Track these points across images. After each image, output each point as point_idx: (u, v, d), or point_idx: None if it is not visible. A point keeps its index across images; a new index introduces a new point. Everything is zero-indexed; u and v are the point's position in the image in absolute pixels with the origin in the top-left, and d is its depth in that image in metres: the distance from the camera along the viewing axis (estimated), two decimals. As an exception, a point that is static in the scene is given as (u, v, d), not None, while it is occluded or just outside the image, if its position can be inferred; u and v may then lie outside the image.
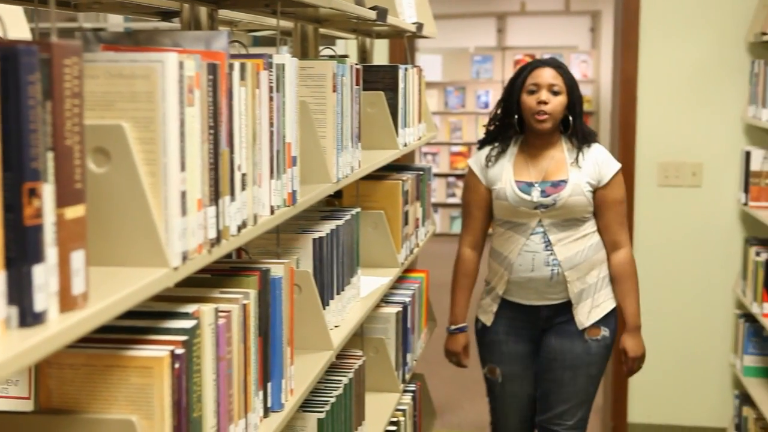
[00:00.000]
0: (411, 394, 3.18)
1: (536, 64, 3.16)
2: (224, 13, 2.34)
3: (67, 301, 1.01)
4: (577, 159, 3.11)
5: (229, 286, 1.61)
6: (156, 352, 1.27)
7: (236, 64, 1.45)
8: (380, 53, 4.40)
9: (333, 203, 2.74)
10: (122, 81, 1.20)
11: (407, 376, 3.06)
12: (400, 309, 2.96)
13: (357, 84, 2.31)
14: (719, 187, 4.41)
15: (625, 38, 4.44)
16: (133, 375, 1.26)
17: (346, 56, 2.68)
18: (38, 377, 1.30)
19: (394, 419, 2.94)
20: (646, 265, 4.48)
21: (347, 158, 2.22)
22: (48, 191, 0.98)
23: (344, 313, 2.34)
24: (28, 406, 1.59)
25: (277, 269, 1.75)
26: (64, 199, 1.01)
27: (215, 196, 1.36)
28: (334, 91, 2.07)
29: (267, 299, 1.70)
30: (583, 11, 10.36)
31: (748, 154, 4.15)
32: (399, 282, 3.16)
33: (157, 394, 1.26)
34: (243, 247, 2.05)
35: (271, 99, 1.63)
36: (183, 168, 1.25)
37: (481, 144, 3.25)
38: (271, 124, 1.63)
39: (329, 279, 2.21)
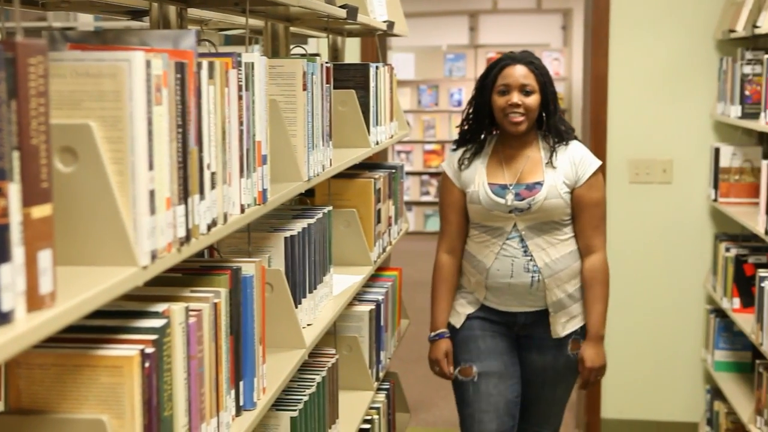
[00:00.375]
0: (385, 392, 3.18)
1: (506, 61, 2.97)
2: (194, 12, 2.34)
3: (35, 301, 1.01)
4: (551, 159, 2.97)
5: (199, 285, 1.61)
6: (126, 352, 1.27)
7: (204, 62, 1.45)
8: (352, 52, 4.40)
9: (305, 202, 2.75)
10: (89, 80, 1.20)
11: (381, 374, 3.07)
12: (374, 307, 2.96)
13: (327, 82, 2.32)
14: (689, 183, 4.45)
15: (595, 36, 4.47)
16: (103, 374, 1.26)
17: (317, 55, 2.68)
18: (7, 377, 1.29)
19: (368, 417, 2.94)
20: (618, 262, 4.51)
21: (318, 157, 2.22)
22: (14, 190, 0.98)
23: (317, 312, 2.34)
24: (-3, 407, 1.58)
25: (248, 268, 1.75)
26: (30, 198, 1.00)
27: (184, 195, 1.36)
28: (304, 89, 2.08)
29: (238, 298, 1.70)
30: (554, 9, 10.41)
31: (717, 151, 4.19)
32: (372, 280, 3.17)
33: (127, 394, 1.26)
34: (214, 246, 2.05)
35: (240, 98, 1.63)
36: (151, 167, 1.25)
37: (456, 146, 3.12)
38: (241, 123, 1.63)
39: (301, 277, 2.22)
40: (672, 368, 4.58)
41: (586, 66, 4.72)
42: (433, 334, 3.12)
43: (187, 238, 1.38)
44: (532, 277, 2.96)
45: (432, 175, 10.23)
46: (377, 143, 2.96)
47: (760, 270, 3.52)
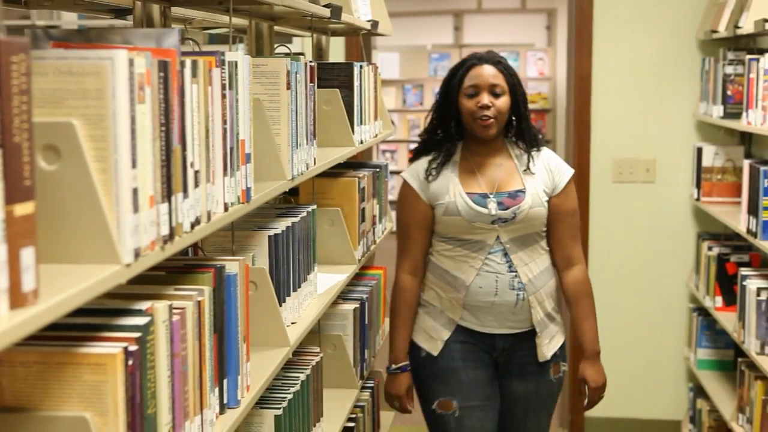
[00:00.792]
0: (369, 390, 3.19)
1: (473, 61, 2.79)
2: (178, 11, 2.34)
3: (17, 298, 1.01)
4: (528, 165, 2.80)
5: (183, 283, 1.61)
6: (109, 349, 1.27)
7: (188, 61, 1.45)
8: (337, 51, 4.41)
9: (289, 200, 2.75)
10: (72, 78, 1.20)
11: (365, 373, 3.08)
12: (358, 305, 2.97)
13: (311, 81, 2.32)
14: (672, 183, 4.48)
15: (579, 36, 4.49)
16: (87, 372, 1.26)
17: (301, 54, 2.69)
18: (-10, 376, 1.29)
19: (353, 416, 2.95)
20: (601, 261, 4.54)
21: (302, 155, 2.22)
22: (-3, 188, 0.98)
23: (301, 310, 2.35)
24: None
25: (232, 266, 1.75)
26: (13, 195, 1.01)
27: (168, 193, 1.36)
28: (288, 88, 2.08)
29: (222, 296, 1.70)
30: (539, 9, 10.44)
31: (699, 150, 4.21)
32: (356, 279, 3.18)
33: (110, 391, 1.26)
34: (198, 244, 2.05)
35: (223, 96, 1.63)
36: (134, 165, 1.25)
37: (416, 155, 2.91)
38: (224, 122, 1.64)
39: (285, 276, 2.22)
40: (655, 366, 4.60)
41: (570, 66, 4.74)
42: (394, 366, 2.89)
43: (171, 236, 1.38)
44: (517, 294, 2.77)
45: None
46: (361, 142, 2.97)
47: (742, 269, 3.55)
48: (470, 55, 2.84)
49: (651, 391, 4.62)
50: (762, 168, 3.20)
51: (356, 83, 2.91)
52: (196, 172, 1.50)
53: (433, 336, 2.85)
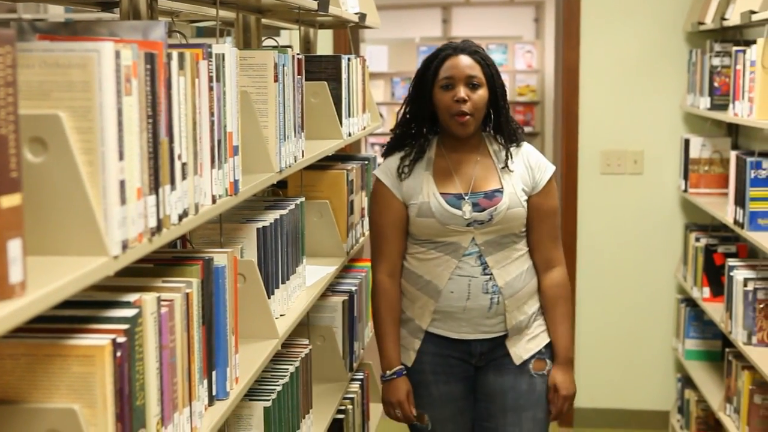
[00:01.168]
0: (359, 382, 3.20)
1: (448, 51, 2.60)
2: (165, 4, 2.33)
3: (4, 290, 1.01)
4: (506, 163, 2.63)
5: (171, 275, 1.61)
6: (97, 341, 1.27)
7: (174, 53, 1.45)
8: (325, 44, 4.41)
9: (277, 193, 2.75)
10: (58, 70, 1.20)
11: (355, 365, 3.08)
12: (347, 298, 2.98)
13: (299, 74, 2.32)
14: (660, 174, 4.50)
15: (566, 28, 4.50)
16: (75, 364, 1.26)
17: (289, 47, 2.69)
18: (-22, 368, 1.29)
19: (342, 408, 2.96)
20: (589, 253, 4.56)
21: (290, 148, 2.23)
22: (-17, 180, 0.98)
23: (290, 302, 2.35)
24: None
25: (220, 258, 1.75)
26: (-1, 187, 1.01)
27: (155, 185, 1.37)
28: (275, 80, 2.08)
29: (210, 288, 1.71)
30: (527, 2, 10.45)
31: (687, 142, 4.23)
32: (345, 271, 3.18)
33: (99, 383, 1.26)
34: (186, 236, 2.05)
35: (211, 89, 1.63)
36: (121, 157, 1.25)
37: (388, 151, 2.73)
38: (212, 114, 1.64)
39: (274, 268, 2.22)
40: (643, 357, 4.62)
41: (557, 58, 4.75)
42: (389, 372, 2.70)
43: (159, 229, 1.38)
44: (491, 299, 2.60)
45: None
46: (350, 135, 2.97)
47: (729, 259, 3.57)
48: (445, 45, 2.65)
49: (639, 382, 4.64)
50: (749, 159, 3.21)
51: (344, 76, 2.91)
52: (184, 165, 1.50)
53: (405, 346, 2.71)
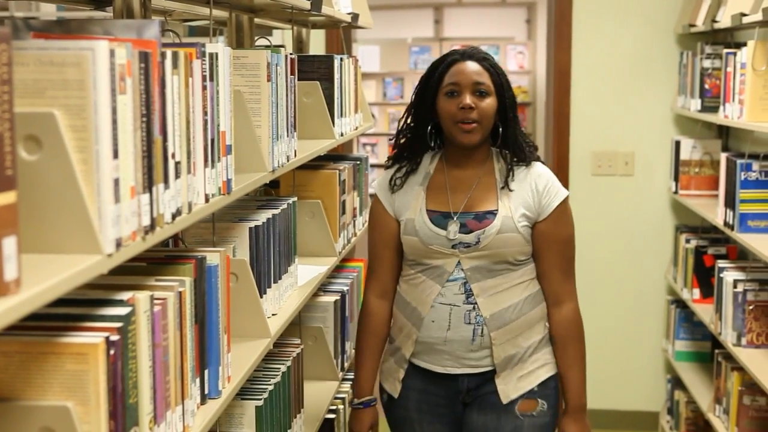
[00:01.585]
0: (350, 382, 3.20)
1: (455, 56, 2.41)
2: (158, 3, 2.34)
3: (-1, 287, 1.02)
4: (507, 182, 2.40)
5: (164, 274, 1.62)
6: (91, 339, 1.27)
7: (168, 52, 1.46)
8: (317, 44, 4.41)
9: (270, 192, 2.75)
10: (53, 69, 1.20)
11: (346, 365, 3.09)
12: (339, 298, 2.98)
13: (292, 73, 2.33)
14: (650, 175, 4.52)
15: (558, 30, 4.52)
16: (68, 362, 1.27)
17: (281, 46, 2.69)
18: (-29, 366, 1.29)
19: (333, 407, 2.96)
20: (580, 254, 4.54)
21: (283, 147, 2.23)
22: (-22, 178, 0.98)
23: (282, 302, 2.36)
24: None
25: (212, 257, 1.76)
26: (-6, 185, 1.01)
27: (149, 184, 1.37)
28: (268, 80, 2.09)
29: (203, 287, 1.71)
30: (519, 3, 10.47)
31: (677, 144, 4.25)
32: (337, 271, 3.19)
33: (92, 381, 1.26)
34: (179, 235, 2.05)
35: (204, 88, 1.63)
36: (116, 155, 1.25)
37: (391, 162, 2.54)
38: (205, 113, 1.64)
39: (266, 267, 2.23)
40: (633, 358, 4.64)
41: (549, 59, 4.76)
42: (357, 401, 2.57)
43: (152, 227, 1.38)
44: (474, 329, 2.37)
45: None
46: (342, 135, 2.98)
47: (719, 261, 3.58)
48: (452, 51, 2.45)
49: (629, 383, 4.66)
50: (739, 161, 3.23)
51: (336, 76, 2.92)
52: (177, 163, 1.50)
53: (392, 375, 2.52)
